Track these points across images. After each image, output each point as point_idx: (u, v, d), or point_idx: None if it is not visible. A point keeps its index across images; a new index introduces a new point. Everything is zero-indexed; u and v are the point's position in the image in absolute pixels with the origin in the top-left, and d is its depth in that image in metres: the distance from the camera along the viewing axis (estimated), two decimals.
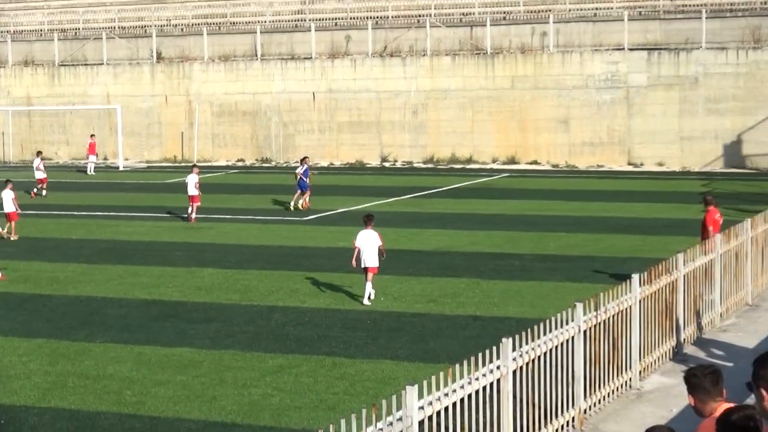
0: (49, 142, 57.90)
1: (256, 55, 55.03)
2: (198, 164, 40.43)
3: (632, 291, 14.23)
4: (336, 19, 55.61)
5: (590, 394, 13.10)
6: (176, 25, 58.98)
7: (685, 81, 46.75)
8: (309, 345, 17.03)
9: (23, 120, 59.13)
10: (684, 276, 16.14)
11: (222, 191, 40.18)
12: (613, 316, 13.66)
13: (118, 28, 59.86)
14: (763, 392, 5.59)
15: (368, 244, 20.06)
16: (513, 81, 49.55)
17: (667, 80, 47.01)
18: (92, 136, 53.10)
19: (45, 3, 64.30)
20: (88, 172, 50.49)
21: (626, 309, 14.04)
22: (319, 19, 55.49)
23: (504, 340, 11.01)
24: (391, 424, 9.01)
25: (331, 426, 8.83)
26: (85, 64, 58.40)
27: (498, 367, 10.86)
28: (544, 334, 11.93)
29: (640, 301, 14.42)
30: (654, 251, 24.01)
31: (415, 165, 50.96)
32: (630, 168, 47.37)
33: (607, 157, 48.23)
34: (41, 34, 61.81)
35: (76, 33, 60.83)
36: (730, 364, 14.96)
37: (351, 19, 55.13)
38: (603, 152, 48.30)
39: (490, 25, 50.87)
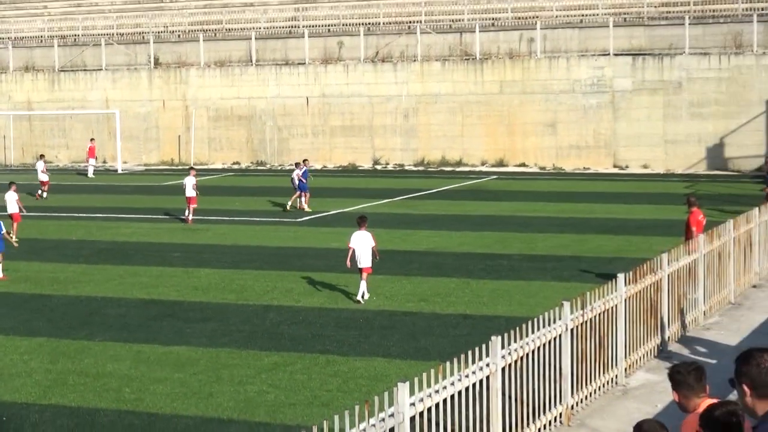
0: (50, 146, 58.00)
1: (251, 61, 55.26)
2: (195, 167, 40.72)
3: (618, 290, 14.34)
4: (329, 25, 55.83)
5: (577, 390, 13.22)
6: (173, 31, 59.14)
7: (669, 86, 47.05)
8: (303, 343, 17.19)
9: (24, 124, 59.25)
10: (668, 275, 16.29)
11: (218, 193, 40.32)
12: (600, 315, 13.78)
13: (117, 34, 59.98)
14: (746, 388, 5.61)
15: (362, 244, 20.26)
16: (501, 86, 49.83)
17: (652, 85, 47.31)
18: (92, 140, 53.39)
19: (45, 10, 64.39)
20: (88, 175, 50.77)
21: (612, 308, 14.15)
22: (313, 26, 55.73)
23: (493, 338, 11.13)
24: (383, 420, 9.09)
25: (324, 422, 8.93)
26: (85, 70, 58.53)
27: (487, 365, 10.95)
28: (532, 332, 12.05)
29: (625, 300, 14.55)
30: (639, 251, 24.19)
31: (407, 168, 51.15)
32: (615, 170, 47.58)
33: (594, 160, 48.49)
34: (41, 41, 61.87)
35: (75, 39, 60.87)
36: (714, 361, 15.16)
37: (344, 25, 55.34)
38: (589, 155, 48.56)
39: (479, 31, 51.15)
